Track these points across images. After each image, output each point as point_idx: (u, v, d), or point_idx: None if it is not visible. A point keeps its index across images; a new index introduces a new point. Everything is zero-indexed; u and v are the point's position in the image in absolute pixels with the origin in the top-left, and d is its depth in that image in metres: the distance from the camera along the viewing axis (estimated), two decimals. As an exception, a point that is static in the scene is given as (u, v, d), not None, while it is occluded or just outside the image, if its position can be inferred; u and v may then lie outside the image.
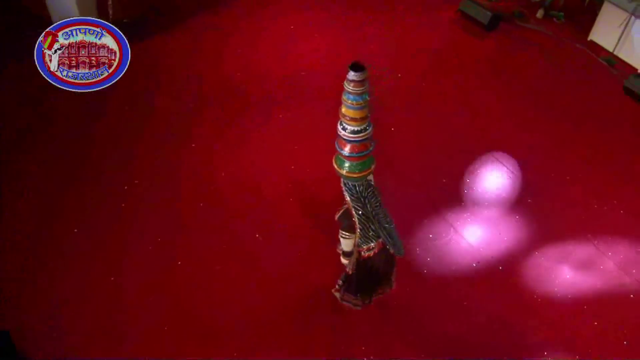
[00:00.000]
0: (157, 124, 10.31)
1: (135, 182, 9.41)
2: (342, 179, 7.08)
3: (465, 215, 9.28)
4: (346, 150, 6.79)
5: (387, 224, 7.38)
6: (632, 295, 8.40)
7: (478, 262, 8.68)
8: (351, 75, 6.37)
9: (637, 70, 11.67)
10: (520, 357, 7.74)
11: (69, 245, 8.74)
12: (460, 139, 10.30)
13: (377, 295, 8.23)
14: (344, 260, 7.98)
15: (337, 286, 8.27)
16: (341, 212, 7.52)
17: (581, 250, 8.87)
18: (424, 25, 12.65)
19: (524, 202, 9.46)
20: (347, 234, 7.58)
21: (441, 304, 8.26)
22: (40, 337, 7.87)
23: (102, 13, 11.19)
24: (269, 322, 7.97)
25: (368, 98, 6.53)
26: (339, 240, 7.83)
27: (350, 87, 6.43)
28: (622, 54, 11.97)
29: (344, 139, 6.75)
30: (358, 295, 8.17)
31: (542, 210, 9.33)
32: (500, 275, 8.58)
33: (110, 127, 10.23)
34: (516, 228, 9.12)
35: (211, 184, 9.46)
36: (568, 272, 8.61)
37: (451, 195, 9.47)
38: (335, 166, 6.99)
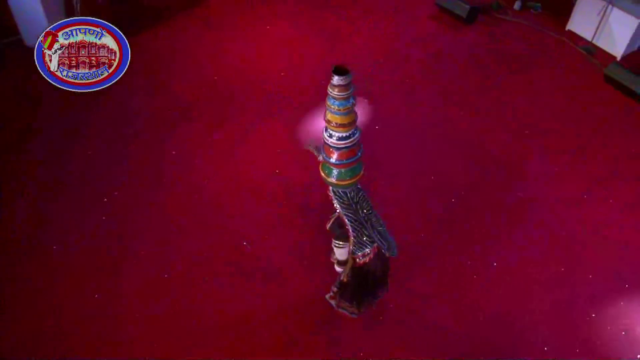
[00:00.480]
0: (137, 131, 10.16)
1: (119, 189, 9.33)
2: (330, 188, 6.84)
3: (455, 211, 9.30)
4: (334, 158, 6.55)
5: (380, 226, 7.12)
6: (627, 285, 8.51)
7: (473, 259, 8.73)
8: (335, 80, 6.09)
9: (616, 58, 11.86)
10: (519, 355, 7.78)
11: (66, 246, 8.72)
12: (446, 132, 10.37)
13: (375, 300, 8.03)
14: (338, 269, 7.84)
15: (331, 293, 8.03)
16: (332, 221, 7.39)
17: (572, 242, 8.97)
18: (403, 22, 12.69)
19: (513, 195, 9.53)
20: (341, 243, 7.42)
21: (438, 303, 8.26)
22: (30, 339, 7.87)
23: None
24: (262, 331, 7.90)
25: (354, 102, 6.30)
26: (332, 250, 7.72)
27: (335, 92, 6.16)
28: (601, 43, 12.15)
29: (331, 147, 6.51)
30: (354, 302, 7.88)
31: (531, 202, 9.42)
32: (495, 271, 8.62)
33: (97, 129, 10.19)
34: (506, 221, 9.18)
35: (196, 192, 9.33)
36: (562, 265, 8.70)
37: (440, 191, 9.49)
38: (323, 175, 6.75)
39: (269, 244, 8.71)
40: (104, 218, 8.94)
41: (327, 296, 8.04)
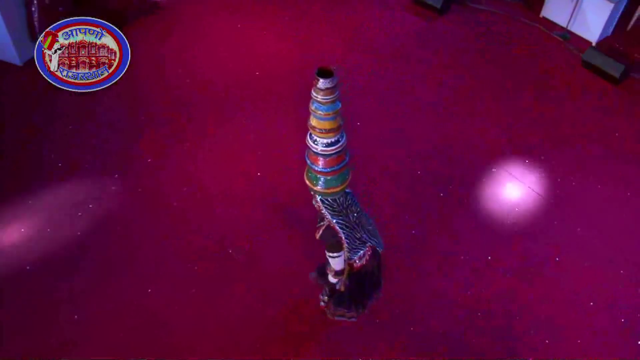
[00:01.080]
0: (106, 139, 9.97)
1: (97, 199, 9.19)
2: (316, 196, 6.51)
3: (445, 204, 9.37)
4: (319, 165, 6.18)
5: (369, 225, 6.93)
6: (622, 271, 8.65)
7: (467, 254, 8.79)
8: (321, 83, 5.70)
9: (591, 43, 12.08)
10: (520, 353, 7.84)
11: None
12: (426, 124, 10.44)
13: (373, 301, 7.76)
14: (333, 279, 7.44)
15: (322, 303, 7.81)
16: (322, 230, 6.83)
17: (565, 230, 9.11)
18: (377, 16, 12.67)
19: (502, 186, 9.60)
20: (335, 253, 6.98)
21: (433, 300, 8.29)
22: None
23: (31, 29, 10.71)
24: (255, 344, 7.83)
25: (340, 105, 5.92)
26: (327, 262, 7.36)
27: (320, 97, 5.77)
28: (576, 29, 12.34)
29: (317, 153, 6.12)
30: (352, 307, 7.63)
31: (521, 193, 9.52)
32: (489, 264, 8.69)
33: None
34: (497, 213, 9.28)
35: (174, 200, 9.18)
36: (557, 255, 8.81)
37: (426, 186, 9.53)
38: (308, 183, 6.39)
39: (252, 255, 8.63)
40: (79, 233, 8.76)
41: (322, 306, 7.83)
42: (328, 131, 5.98)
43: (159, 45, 11.50)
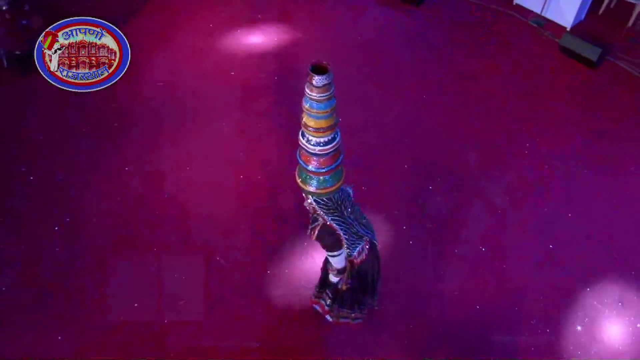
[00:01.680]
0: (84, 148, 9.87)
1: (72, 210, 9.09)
2: (308, 197, 6.26)
3: (434, 197, 9.43)
4: (313, 165, 5.94)
5: (363, 219, 6.78)
6: (615, 255, 8.81)
7: (458, 248, 8.88)
8: (316, 80, 5.45)
9: (566, 28, 12.28)
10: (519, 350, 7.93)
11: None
12: (402, 116, 10.47)
13: (376, 298, 7.55)
14: (335, 278, 7.30)
15: (326, 308, 7.61)
16: (317, 231, 6.53)
17: (555, 218, 9.24)
18: (350, 12, 12.69)
19: (488, 177, 9.71)
20: (336, 252, 6.71)
21: (428, 295, 8.34)
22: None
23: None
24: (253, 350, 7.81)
25: (335, 103, 5.68)
26: (328, 262, 7.23)
27: (315, 94, 5.51)
28: (550, 15, 12.53)
29: (310, 153, 5.88)
30: (355, 306, 7.51)
31: (501, 180, 9.67)
32: (485, 255, 8.78)
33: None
34: (486, 204, 9.38)
35: (158, 208, 9.12)
36: (550, 242, 8.95)
37: (413, 179, 9.56)
38: (300, 184, 6.13)
39: (240, 261, 8.59)
40: (57, 249, 8.66)
41: (325, 313, 7.70)
42: (323, 130, 5.71)
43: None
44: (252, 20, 12.18)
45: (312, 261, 8.34)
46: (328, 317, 7.75)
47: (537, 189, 9.59)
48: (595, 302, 8.34)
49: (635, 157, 10.07)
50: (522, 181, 9.65)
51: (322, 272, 7.65)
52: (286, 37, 11.84)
